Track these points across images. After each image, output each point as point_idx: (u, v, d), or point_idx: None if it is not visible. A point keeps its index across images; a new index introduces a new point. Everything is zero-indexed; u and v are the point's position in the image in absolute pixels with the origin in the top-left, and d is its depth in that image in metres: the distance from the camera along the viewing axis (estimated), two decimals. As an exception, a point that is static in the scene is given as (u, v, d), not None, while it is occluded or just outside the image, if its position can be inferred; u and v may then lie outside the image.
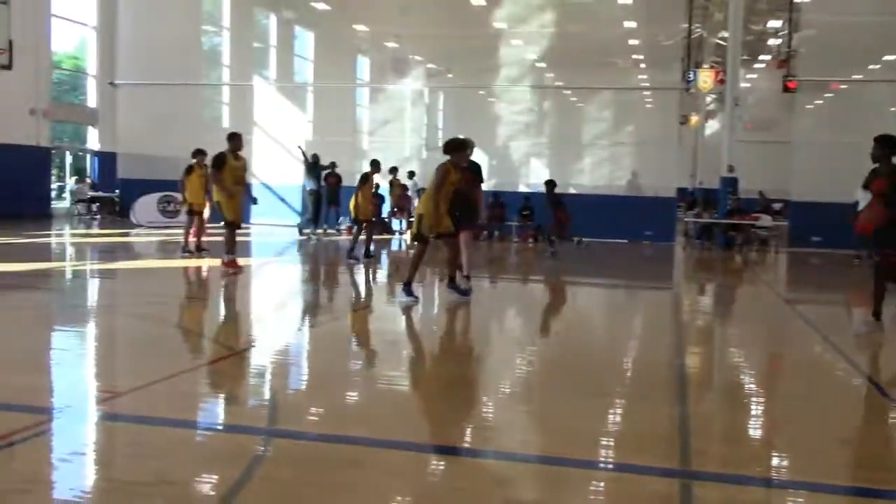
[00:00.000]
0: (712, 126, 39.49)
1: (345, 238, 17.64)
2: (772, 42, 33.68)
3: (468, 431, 5.06)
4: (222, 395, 5.86)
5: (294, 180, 25.33)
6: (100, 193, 26.43)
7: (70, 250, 17.67)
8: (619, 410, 5.55)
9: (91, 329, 8.31)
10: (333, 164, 21.71)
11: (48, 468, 4.12)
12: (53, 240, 19.49)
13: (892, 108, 22.46)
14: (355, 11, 31.43)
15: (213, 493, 3.85)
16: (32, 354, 6.80)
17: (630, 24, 28.87)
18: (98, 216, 25.71)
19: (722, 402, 6.11)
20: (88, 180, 27.51)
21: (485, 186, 11.68)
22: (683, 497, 3.97)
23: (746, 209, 22.73)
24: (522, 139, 32.73)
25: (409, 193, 23.38)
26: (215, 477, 4.00)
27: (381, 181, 22.62)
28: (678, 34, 25.71)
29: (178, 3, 25.79)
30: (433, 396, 6.00)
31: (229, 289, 11.49)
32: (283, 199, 24.97)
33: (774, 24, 31.36)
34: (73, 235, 20.70)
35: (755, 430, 5.37)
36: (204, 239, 14.89)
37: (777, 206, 25.80)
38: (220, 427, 5.03)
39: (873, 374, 7.30)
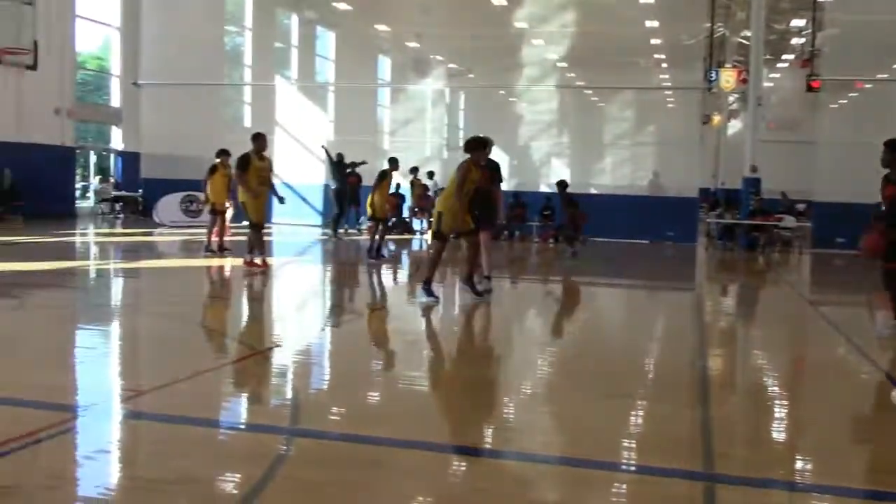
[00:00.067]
0: (735, 126, 39.16)
1: (365, 238, 17.66)
2: (795, 41, 33.36)
3: (489, 432, 5.07)
4: (245, 395, 5.90)
5: (316, 180, 25.43)
6: (123, 193, 26.62)
7: (94, 249, 17.84)
8: (640, 412, 5.52)
9: (115, 328, 8.39)
10: (354, 164, 21.60)
11: (73, 465, 4.17)
12: (78, 239, 19.67)
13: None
14: (376, 11, 31.43)
15: (235, 491, 3.87)
16: (58, 353, 6.89)
17: (652, 24, 28.71)
18: (121, 215, 25.91)
19: (744, 405, 6.07)
20: (112, 180, 27.72)
21: (506, 186, 11.68)
22: (707, 500, 3.94)
23: (769, 210, 22.54)
24: (543, 139, 32.65)
25: (430, 193, 23.38)
26: (238, 475, 4.03)
27: (402, 181, 22.66)
28: (700, 33, 25.53)
29: (201, 3, 25.91)
30: (454, 397, 6.01)
31: (251, 288, 11.55)
32: (304, 199, 25.05)
33: (798, 23, 31.04)
34: (97, 235, 20.88)
35: (778, 433, 5.33)
36: (227, 239, 14.98)
37: (801, 206, 25.56)
38: (243, 426, 5.07)
39: (898, 376, 7.22)
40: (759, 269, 18.37)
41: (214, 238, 14.80)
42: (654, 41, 30.29)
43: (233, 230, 15.40)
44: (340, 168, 21.10)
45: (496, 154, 10.67)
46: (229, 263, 13.74)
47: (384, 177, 15.01)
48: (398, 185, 22.09)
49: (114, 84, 28.30)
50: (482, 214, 10.11)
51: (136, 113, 26.37)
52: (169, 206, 23.11)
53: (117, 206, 26.42)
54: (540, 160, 32.37)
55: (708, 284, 15.81)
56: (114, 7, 27.39)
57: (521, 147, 32.15)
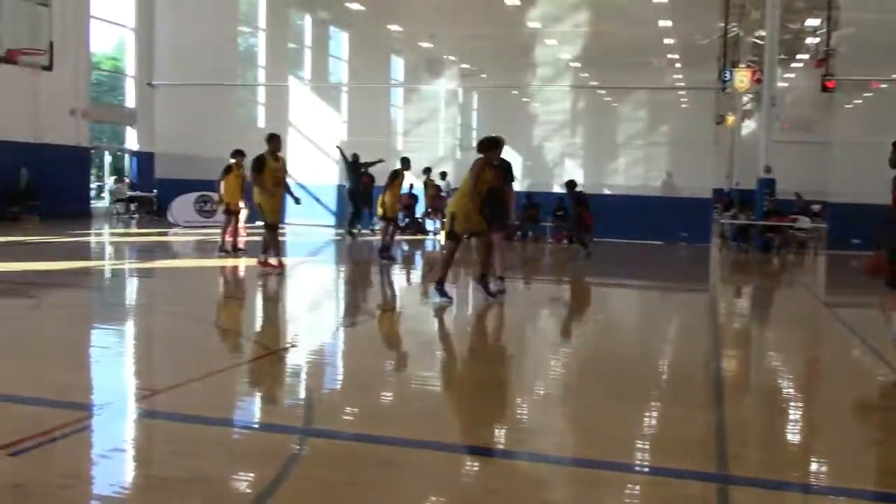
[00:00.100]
0: (749, 126, 38.96)
1: (379, 238, 17.68)
2: (810, 41, 33.14)
3: (502, 433, 5.06)
4: (258, 394, 5.92)
5: (329, 180, 25.46)
6: (138, 193, 26.76)
7: (109, 249, 17.94)
8: (654, 413, 5.51)
9: (130, 327, 8.44)
10: (370, 163, 21.50)
11: (88, 464, 4.20)
12: (93, 239, 19.78)
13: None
14: (389, 12, 31.49)
15: (248, 490, 3.89)
16: (73, 352, 6.93)
17: (665, 24, 28.63)
18: (136, 216, 26.04)
19: (758, 406, 6.04)
20: (127, 180, 27.89)
21: (519, 187, 11.66)
22: (720, 501, 3.93)
23: (784, 211, 22.42)
24: (557, 139, 32.64)
25: (443, 194, 23.36)
26: (251, 475, 4.05)
27: (415, 181, 22.64)
28: (714, 33, 25.46)
29: (215, 4, 26.03)
30: (466, 397, 6.01)
31: (265, 288, 11.59)
32: (318, 199, 25.09)
33: (812, 22, 30.86)
34: (113, 235, 21.00)
35: (792, 435, 5.31)
36: (241, 239, 15.02)
37: (815, 207, 25.41)
38: (257, 426, 5.09)
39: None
40: (774, 270, 18.28)
41: (228, 238, 14.84)
42: (667, 41, 30.20)
43: (248, 231, 15.44)
44: (355, 168, 21.10)
45: (509, 154, 10.64)
46: (243, 263, 13.79)
47: (396, 177, 15.00)
48: (411, 186, 22.08)
49: (128, 84, 28.45)
50: (494, 214, 10.09)
51: (151, 113, 26.51)
52: (183, 206, 23.20)
53: (132, 206, 26.56)
54: (553, 160, 32.36)
55: (722, 286, 15.74)
56: (128, 8, 27.54)
57: (534, 147, 32.16)
